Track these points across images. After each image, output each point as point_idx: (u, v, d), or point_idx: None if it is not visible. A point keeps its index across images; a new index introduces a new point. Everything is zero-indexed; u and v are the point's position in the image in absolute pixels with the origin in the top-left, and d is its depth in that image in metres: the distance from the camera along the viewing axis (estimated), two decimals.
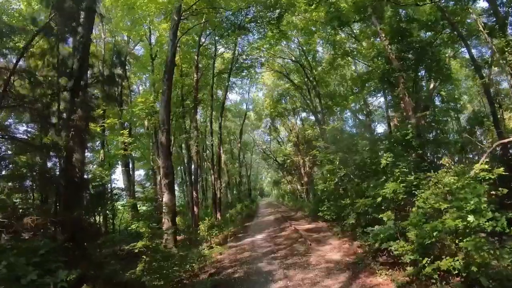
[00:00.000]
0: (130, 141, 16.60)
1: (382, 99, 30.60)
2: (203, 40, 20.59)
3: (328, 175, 14.48)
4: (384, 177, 9.25)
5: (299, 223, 17.03)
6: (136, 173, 31.45)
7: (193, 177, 20.38)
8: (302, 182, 44.29)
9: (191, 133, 19.29)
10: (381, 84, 18.73)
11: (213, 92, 22.53)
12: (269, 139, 48.64)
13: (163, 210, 11.29)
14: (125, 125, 20.14)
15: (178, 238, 13.46)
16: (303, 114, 38.38)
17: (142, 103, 16.17)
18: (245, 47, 24.71)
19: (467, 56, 17.18)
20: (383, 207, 8.16)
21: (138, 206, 15.20)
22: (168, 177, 12.26)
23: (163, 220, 11.25)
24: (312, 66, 27.54)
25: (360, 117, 33.41)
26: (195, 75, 19.41)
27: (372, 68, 18.63)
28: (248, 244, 12.41)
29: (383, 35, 13.39)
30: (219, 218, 18.22)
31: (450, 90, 22.45)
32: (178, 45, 15.33)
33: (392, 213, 7.12)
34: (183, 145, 25.04)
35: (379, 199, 8.14)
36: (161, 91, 14.53)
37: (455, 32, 14.42)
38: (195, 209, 17.23)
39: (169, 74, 13.14)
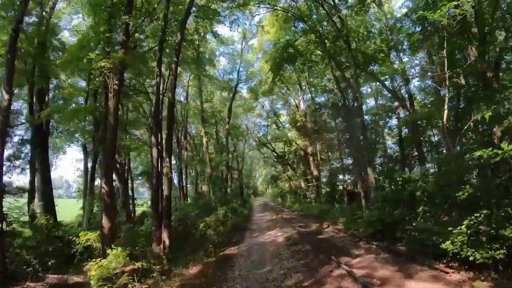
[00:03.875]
0: None
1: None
2: None
3: None
4: None
5: (364, 261, 7.32)
6: None
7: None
8: (308, 177, 35.01)
9: None
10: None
11: None
12: (266, 125, 39.15)
13: None
14: None
15: None
16: (308, 96, 28.94)
17: None
18: None
19: None
20: None
21: None
22: None
23: None
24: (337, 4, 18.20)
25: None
26: None
27: None
28: None
29: None
30: (166, 241, 8.61)
31: None
32: None
33: None
34: None
35: None
36: None
37: None
38: (104, 222, 7.59)
39: None
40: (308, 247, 8.58)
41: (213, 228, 14.87)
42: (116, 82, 8.39)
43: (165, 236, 8.48)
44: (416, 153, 24.63)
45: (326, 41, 18.37)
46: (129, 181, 26.56)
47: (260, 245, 9.87)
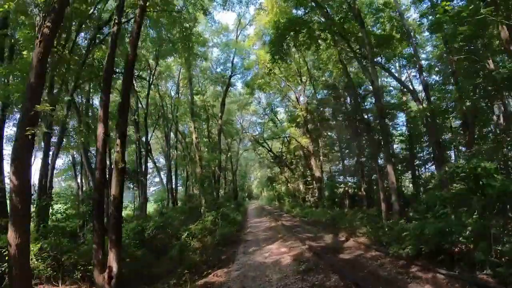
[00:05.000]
0: None
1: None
2: None
3: None
4: None
5: None
6: None
7: None
8: (308, 179, 32.19)
9: None
10: None
11: None
12: (262, 124, 36.34)
13: None
14: None
15: None
16: (308, 92, 26.16)
17: None
18: None
19: None
20: None
21: None
22: None
23: None
24: None
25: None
26: None
27: None
28: None
29: None
30: (114, 268, 5.58)
31: None
32: None
33: None
34: None
35: None
36: None
37: None
38: (11, 236, 4.67)
39: None
40: (334, 278, 5.68)
41: (199, 238, 11.96)
42: (48, 23, 5.49)
43: (112, 259, 5.52)
44: (422, 153, 22.37)
45: (334, 21, 15.68)
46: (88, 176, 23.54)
47: (258, 269, 6.96)
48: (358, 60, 15.48)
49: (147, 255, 10.57)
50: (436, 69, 19.67)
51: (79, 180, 23.43)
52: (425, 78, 19.32)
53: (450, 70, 17.18)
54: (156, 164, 38.08)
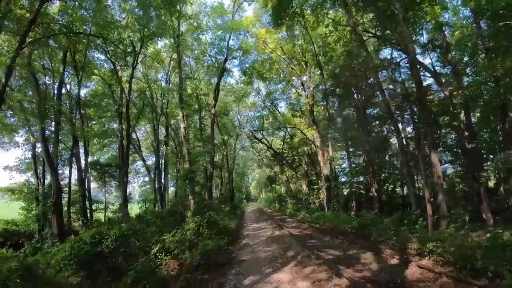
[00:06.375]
0: None
1: None
2: None
3: None
4: None
5: None
6: None
7: None
8: (312, 179, 28.71)
9: None
10: None
11: None
12: (261, 117, 32.85)
13: None
14: None
15: None
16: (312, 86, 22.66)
17: None
18: None
19: None
20: None
21: None
22: None
23: None
24: None
25: None
26: None
27: None
28: None
29: None
30: None
31: None
32: None
33: None
34: None
35: None
36: None
37: None
38: None
39: None
40: None
41: (175, 255, 8.43)
42: None
43: None
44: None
45: None
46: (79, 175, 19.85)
47: None
48: (388, 18, 12.05)
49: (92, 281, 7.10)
50: (468, 44, 16.20)
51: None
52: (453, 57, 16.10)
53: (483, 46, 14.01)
54: (146, 162, 34.48)
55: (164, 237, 9.30)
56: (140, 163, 36.33)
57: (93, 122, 28.02)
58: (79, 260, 8.60)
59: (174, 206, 14.18)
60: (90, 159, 29.40)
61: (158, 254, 8.56)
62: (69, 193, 18.35)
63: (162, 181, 30.67)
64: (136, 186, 38.16)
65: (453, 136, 17.33)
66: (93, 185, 32.74)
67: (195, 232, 9.30)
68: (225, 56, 22.92)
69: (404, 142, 16.84)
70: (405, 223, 9.08)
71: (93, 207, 23.80)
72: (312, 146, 27.39)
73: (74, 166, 20.87)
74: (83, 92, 27.12)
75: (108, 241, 9.52)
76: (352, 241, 8.74)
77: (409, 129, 19.98)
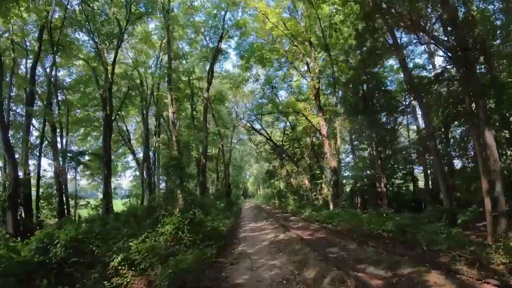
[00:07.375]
0: None
1: None
2: None
3: None
4: None
5: None
6: None
7: None
8: (316, 173, 26.34)
9: None
10: None
11: None
12: (261, 104, 30.22)
13: None
14: None
15: None
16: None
17: None
18: None
19: None
20: None
21: None
22: None
23: None
24: None
25: None
26: None
27: None
28: None
29: None
30: None
31: None
32: None
33: None
34: None
35: None
36: None
37: None
38: None
39: None
40: None
41: (142, 271, 5.99)
42: None
43: None
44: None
45: None
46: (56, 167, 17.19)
47: None
48: None
49: None
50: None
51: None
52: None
53: None
54: (136, 155, 31.92)
55: (132, 242, 6.84)
56: (131, 156, 33.89)
57: (78, 111, 25.67)
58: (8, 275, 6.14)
59: (153, 201, 11.63)
60: (76, 150, 27.00)
61: (120, 267, 6.13)
62: (38, 185, 15.83)
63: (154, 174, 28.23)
64: (127, 181, 35.62)
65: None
66: (83, 182, 30.46)
67: (172, 237, 6.84)
68: (221, 34, 20.33)
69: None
70: (458, 223, 6.70)
71: (75, 202, 21.28)
72: (316, 137, 25.02)
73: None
74: (68, 79, 24.79)
75: (57, 248, 7.09)
76: (390, 250, 6.31)
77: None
